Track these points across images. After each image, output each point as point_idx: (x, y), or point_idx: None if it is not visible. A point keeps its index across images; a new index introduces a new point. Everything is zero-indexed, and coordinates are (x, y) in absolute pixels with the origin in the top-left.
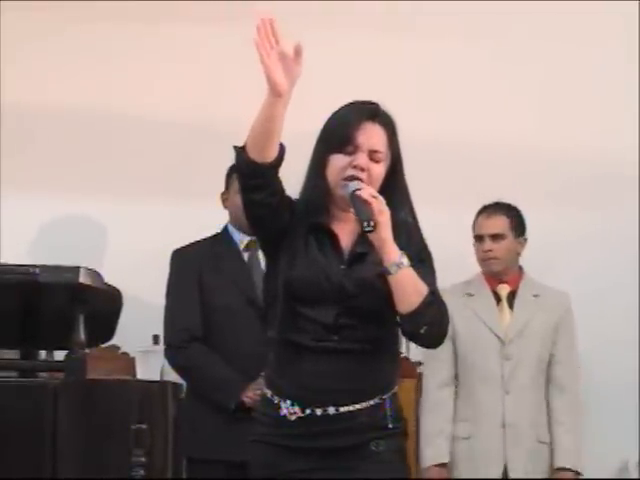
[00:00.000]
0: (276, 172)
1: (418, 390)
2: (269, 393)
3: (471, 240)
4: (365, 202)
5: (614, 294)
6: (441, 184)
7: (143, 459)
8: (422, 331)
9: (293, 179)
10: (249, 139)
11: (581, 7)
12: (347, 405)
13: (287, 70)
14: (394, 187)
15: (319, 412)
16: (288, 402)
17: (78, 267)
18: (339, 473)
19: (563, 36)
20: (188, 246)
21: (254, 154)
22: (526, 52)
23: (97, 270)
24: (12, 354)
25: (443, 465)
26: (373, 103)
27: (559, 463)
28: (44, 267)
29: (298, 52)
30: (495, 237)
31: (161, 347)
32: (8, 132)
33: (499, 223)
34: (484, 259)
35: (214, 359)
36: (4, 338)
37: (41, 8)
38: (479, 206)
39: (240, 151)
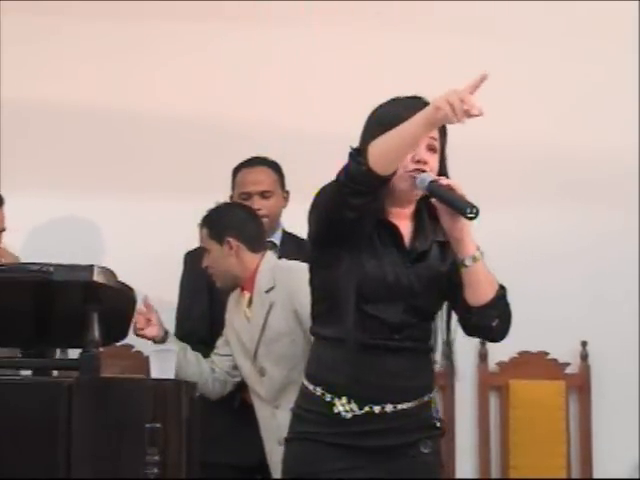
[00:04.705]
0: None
1: None
2: (318, 391)
3: (475, 240)
4: (452, 189)
5: (615, 294)
6: None
7: (157, 458)
8: (493, 324)
9: (300, 175)
10: (378, 151)
11: (579, 7)
12: (403, 403)
13: None
14: None
15: (377, 410)
16: (344, 399)
17: (92, 265)
18: (383, 473)
19: (562, 36)
20: (200, 248)
21: (377, 166)
22: (524, 52)
23: (110, 268)
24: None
25: None
26: (420, 97)
27: None
28: (58, 266)
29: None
30: (204, 250)
31: (174, 346)
32: (9, 131)
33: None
34: None
35: None
36: (18, 336)
37: (42, 7)
38: (482, 206)
39: (359, 156)
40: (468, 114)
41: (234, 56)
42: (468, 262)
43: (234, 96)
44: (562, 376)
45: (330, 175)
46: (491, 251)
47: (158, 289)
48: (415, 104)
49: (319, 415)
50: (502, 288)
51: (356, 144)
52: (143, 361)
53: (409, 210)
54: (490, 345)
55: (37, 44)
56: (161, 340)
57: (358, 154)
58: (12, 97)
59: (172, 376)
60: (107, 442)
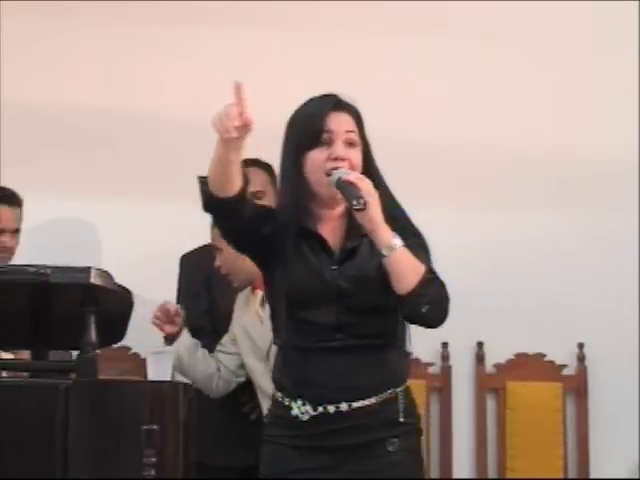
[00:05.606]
0: (242, 202)
1: (430, 391)
2: (279, 395)
3: (472, 241)
4: (352, 183)
5: (613, 295)
6: (440, 184)
7: (154, 460)
8: (424, 310)
9: None
10: (210, 175)
11: (579, 7)
12: (359, 400)
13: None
14: (369, 176)
15: (332, 409)
16: (299, 402)
17: (89, 268)
18: (348, 473)
19: (562, 36)
20: (196, 250)
21: (215, 189)
22: (524, 53)
23: (108, 271)
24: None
25: None
26: (333, 94)
27: None
28: (55, 268)
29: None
30: (216, 249)
31: (172, 348)
32: (8, 132)
33: (213, 235)
34: None
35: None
36: (15, 338)
37: (42, 9)
38: (480, 206)
39: (204, 185)
40: (237, 128)
41: (231, 59)
42: (385, 252)
43: (229, 99)
44: (559, 378)
45: None
46: (489, 252)
47: (155, 291)
48: (327, 101)
49: (280, 418)
50: (430, 272)
51: None
52: (140, 363)
53: (340, 209)
54: (487, 347)
55: (37, 46)
56: (173, 337)
57: (205, 182)
58: (11, 98)
59: (169, 378)
60: (104, 444)
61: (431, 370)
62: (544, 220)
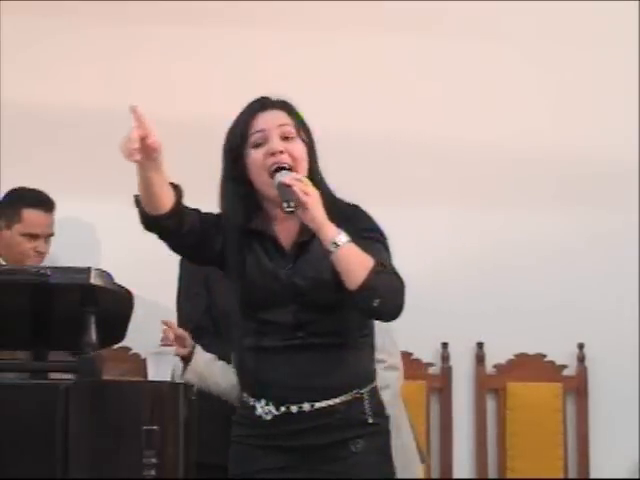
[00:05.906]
0: (177, 218)
1: (430, 391)
2: (244, 395)
3: (472, 241)
4: (286, 185)
5: (613, 295)
6: (440, 184)
7: (154, 460)
8: (375, 304)
9: None
10: (140, 194)
11: (579, 7)
12: (322, 401)
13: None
14: (311, 173)
15: (294, 409)
16: (262, 402)
17: (89, 268)
18: (313, 473)
19: (562, 36)
20: None
21: (149, 210)
22: (525, 52)
23: (107, 271)
24: (23, 355)
25: None
26: (261, 97)
27: None
28: (55, 268)
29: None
30: None
31: (172, 349)
32: (8, 133)
33: None
34: None
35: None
36: (15, 339)
37: (42, 9)
38: (480, 206)
39: (139, 205)
40: (140, 150)
41: (231, 59)
42: (331, 248)
43: (229, 98)
44: (559, 378)
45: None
46: (490, 252)
47: (155, 291)
48: (254, 105)
49: (246, 418)
50: (381, 265)
51: (350, 145)
52: (140, 364)
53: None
54: (487, 347)
55: (37, 46)
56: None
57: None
58: (11, 98)
59: (169, 378)
60: (104, 444)
61: (431, 370)
62: (544, 220)
